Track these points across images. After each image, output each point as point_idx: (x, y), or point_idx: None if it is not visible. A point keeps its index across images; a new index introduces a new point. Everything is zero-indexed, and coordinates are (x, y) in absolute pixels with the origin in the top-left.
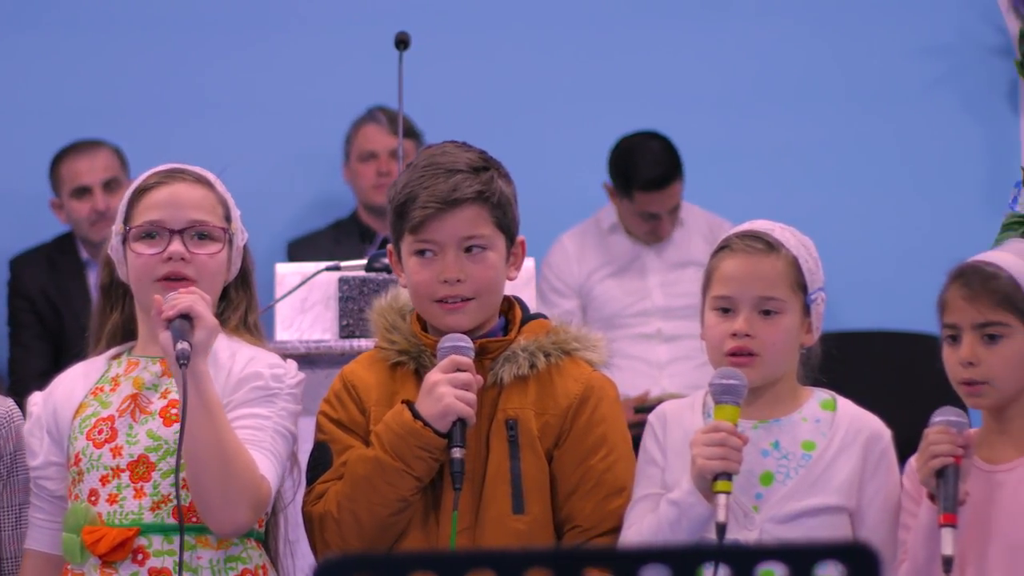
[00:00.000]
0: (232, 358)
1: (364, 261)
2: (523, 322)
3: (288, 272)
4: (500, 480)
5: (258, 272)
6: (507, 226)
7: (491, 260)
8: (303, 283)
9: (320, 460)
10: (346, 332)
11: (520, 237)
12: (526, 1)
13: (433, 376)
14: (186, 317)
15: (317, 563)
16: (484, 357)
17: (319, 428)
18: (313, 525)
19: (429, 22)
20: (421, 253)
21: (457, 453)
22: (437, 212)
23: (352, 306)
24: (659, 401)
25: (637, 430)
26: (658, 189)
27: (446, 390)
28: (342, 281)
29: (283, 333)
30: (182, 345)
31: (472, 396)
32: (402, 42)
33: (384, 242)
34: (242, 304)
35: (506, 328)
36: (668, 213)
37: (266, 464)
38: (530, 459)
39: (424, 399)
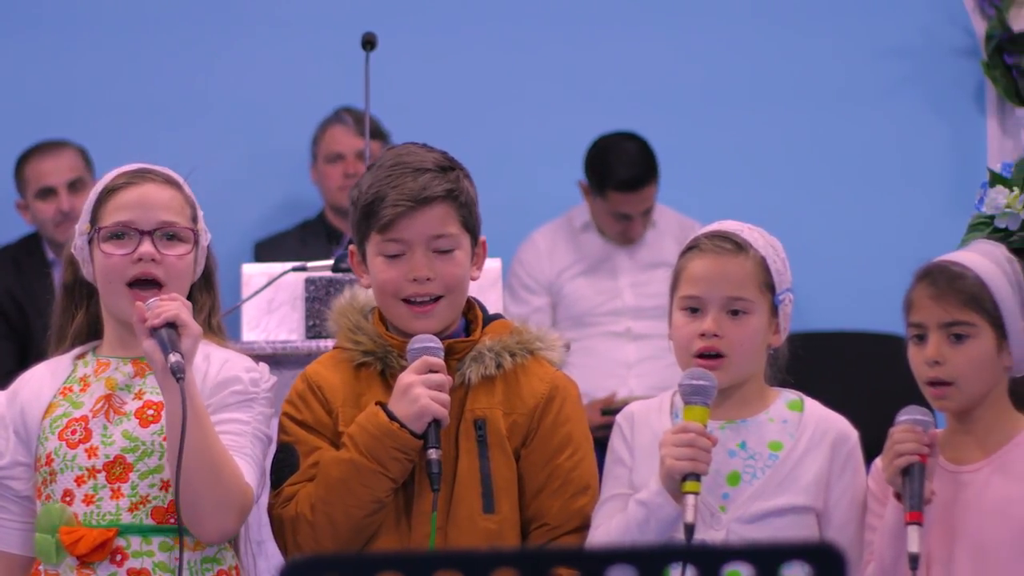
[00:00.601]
0: (206, 360)
1: (330, 262)
2: (484, 322)
3: (255, 273)
4: (470, 480)
5: (225, 273)
6: (472, 226)
7: (459, 259)
8: (269, 283)
9: (286, 462)
10: (312, 333)
11: (482, 237)
12: (493, 1)
13: (407, 378)
14: (171, 326)
15: (285, 564)
16: (450, 358)
17: (283, 430)
18: (284, 528)
19: (396, 23)
20: (389, 252)
21: (433, 454)
22: (407, 210)
23: (319, 307)
24: (625, 403)
25: (604, 432)
26: (632, 190)
27: (421, 391)
28: (308, 282)
29: (249, 334)
30: (175, 358)
31: (446, 397)
32: (369, 43)
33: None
34: (206, 305)
35: (468, 329)
36: (641, 215)
37: (249, 471)
38: (499, 458)
39: (399, 400)
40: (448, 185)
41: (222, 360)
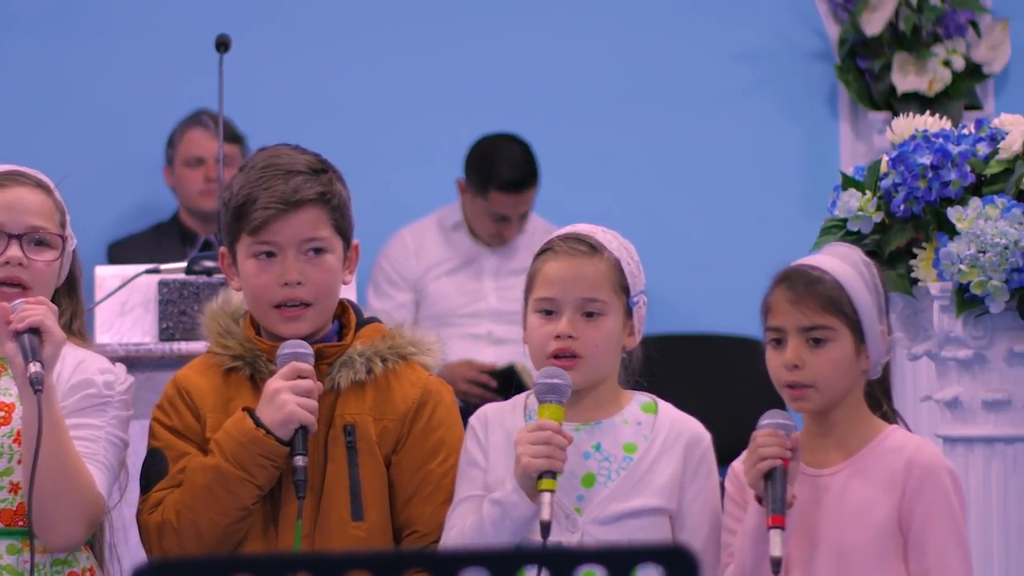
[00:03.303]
0: (61, 361)
1: (184, 264)
2: (358, 326)
3: (108, 275)
4: (339, 487)
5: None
6: (344, 229)
7: (330, 263)
8: (123, 286)
9: (155, 467)
10: (166, 335)
11: (355, 241)
12: (345, 2)
13: (274, 383)
14: (35, 331)
15: (134, 568)
16: (321, 362)
17: (152, 435)
18: (151, 534)
19: (250, 24)
20: (260, 255)
21: (300, 461)
22: (279, 213)
23: (172, 309)
24: (510, 367)
25: (472, 388)
26: (515, 191)
27: (288, 397)
28: (162, 284)
29: (103, 336)
30: (35, 368)
31: (314, 403)
32: (222, 44)
33: (207, 245)
34: (68, 310)
35: (340, 332)
36: (519, 217)
37: (101, 478)
38: (369, 465)
39: (266, 407)
40: (320, 188)
41: (76, 361)
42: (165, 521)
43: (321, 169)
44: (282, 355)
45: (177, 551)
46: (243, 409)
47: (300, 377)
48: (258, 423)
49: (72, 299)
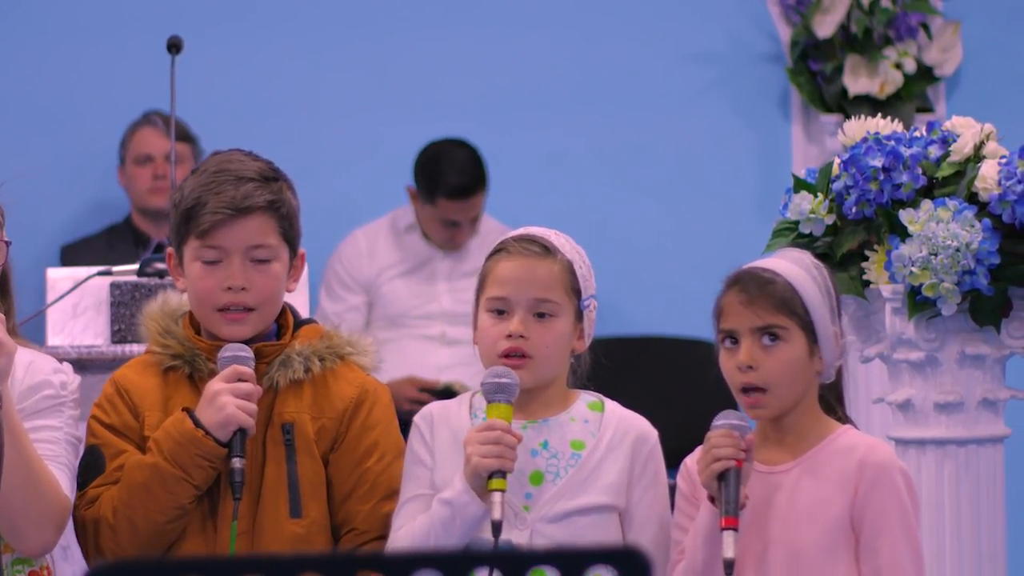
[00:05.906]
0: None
1: (136, 266)
2: (295, 327)
3: (60, 277)
4: (277, 484)
5: (31, 277)
6: (291, 238)
7: (275, 271)
8: (75, 288)
9: (92, 464)
10: (118, 337)
11: (301, 250)
12: (295, 5)
13: (214, 385)
14: None
15: (89, 569)
16: (259, 362)
17: (91, 432)
18: (87, 530)
19: (202, 26)
20: (206, 259)
21: (237, 463)
22: (227, 219)
23: (124, 311)
24: (448, 386)
25: (415, 406)
26: (462, 198)
27: (228, 399)
28: (114, 286)
29: (54, 338)
30: None
31: (253, 406)
32: (174, 46)
33: (159, 247)
34: (1, 311)
35: (279, 333)
36: (469, 222)
37: (64, 480)
38: (307, 463)
39: (205, 408)
40: (270, 196)
41: (27, 362)
42: (101, 518)
43: (272, 177)
44: (223, 358)
45: (112, 547)
46: (183, 409)
47: (240, 380)
48: (197, 424)
49: (4, 299)
